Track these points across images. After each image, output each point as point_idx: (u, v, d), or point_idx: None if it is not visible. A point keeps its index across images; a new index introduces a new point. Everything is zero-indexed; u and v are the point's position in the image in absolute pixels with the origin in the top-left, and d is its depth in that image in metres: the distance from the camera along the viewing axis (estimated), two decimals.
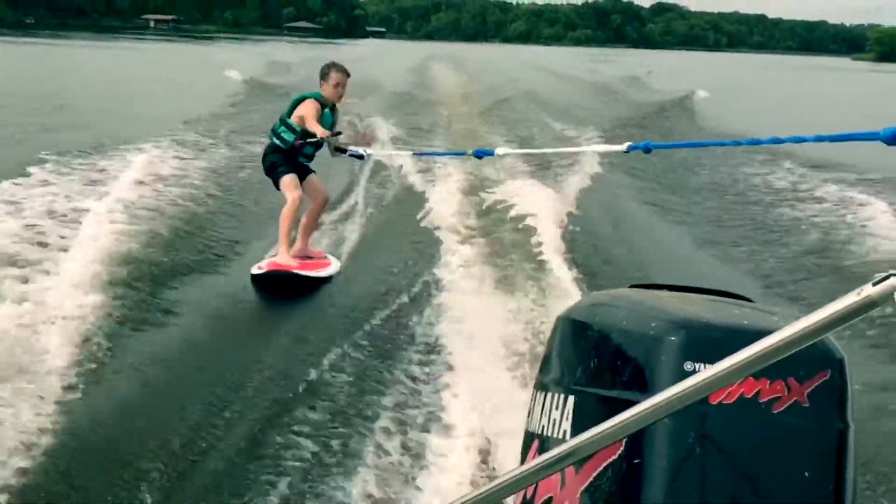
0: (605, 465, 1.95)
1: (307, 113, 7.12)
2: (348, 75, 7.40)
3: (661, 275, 7.11)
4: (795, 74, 71.79)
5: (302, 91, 7.72)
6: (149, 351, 5.54)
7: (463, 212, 9.77)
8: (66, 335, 5.37)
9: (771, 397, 1.87)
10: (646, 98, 29.13)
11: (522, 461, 2.38)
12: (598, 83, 37.98)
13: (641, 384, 1.98)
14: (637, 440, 1.88)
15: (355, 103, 18.62)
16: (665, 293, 2.35)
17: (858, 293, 1.10)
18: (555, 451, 1.36)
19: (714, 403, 1.85)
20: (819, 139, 2.40)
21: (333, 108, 7.39)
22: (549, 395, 2.29)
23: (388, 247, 8.51)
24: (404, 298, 6.70)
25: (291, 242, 7.44)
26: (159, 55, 54.09)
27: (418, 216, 9.67)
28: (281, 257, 7.22)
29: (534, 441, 2.33)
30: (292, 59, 45.71)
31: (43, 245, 7.26)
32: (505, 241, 8.50)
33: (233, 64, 35.70)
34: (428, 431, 4.53)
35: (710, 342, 1.94)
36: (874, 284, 1.09)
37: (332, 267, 7.47)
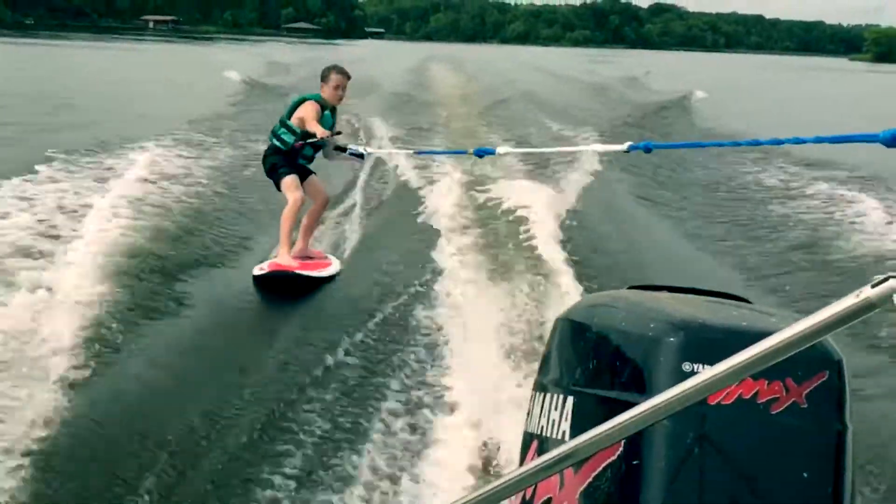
0: (604, 465, 1.95)
1: (307, 114, 7.13)
2: (349, 77, 7.41)
3: (659, 276, 7.10)
4: (793, 75, 71.80)
5: (301, 91, 7.74)
6: (152, 351, 5.55)
7: (462, 212, 9.77)
8: (66, 334, 5.37)
9: (769, 398, 1.87)
10: (644, 98, 29.13)
11: (521, 462, 2.38)
12: (597, 84, 37.98)
13: (640, 385, 1.98)
14: (636, 441, 1.89)
15: (355, 104, 18.62)
16: (664, 294, 2.36)
17: (857, 295, 1.10)
18: (554, 453, 1.36)
19: (713, 404, 1.86)
20: (818, 140, 2.40)
21: (334, 110, 7.41)
22: (549, 395, 2.30)
23: (388, 247, 8.52)
24: (404, 298, 6.70)
25: (292, 243, 7.46)
26: (158, 56, 54.07)
27: (418, 216, 9.69)
28: (282, 258, 7.23)
29: (533, 441, 2.33)
30: (291, 59, 45.72)
31: (38, 250, 7.24)
32: (504, 242, 8.50)
33: (232, 64, 35.70)
34: (427, 431, 4.54)
35: (708, 343, 1.94)
36: (873, 287, 1.09)
37: (333, 267, 7.49)
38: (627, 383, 2.02)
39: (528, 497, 2.17)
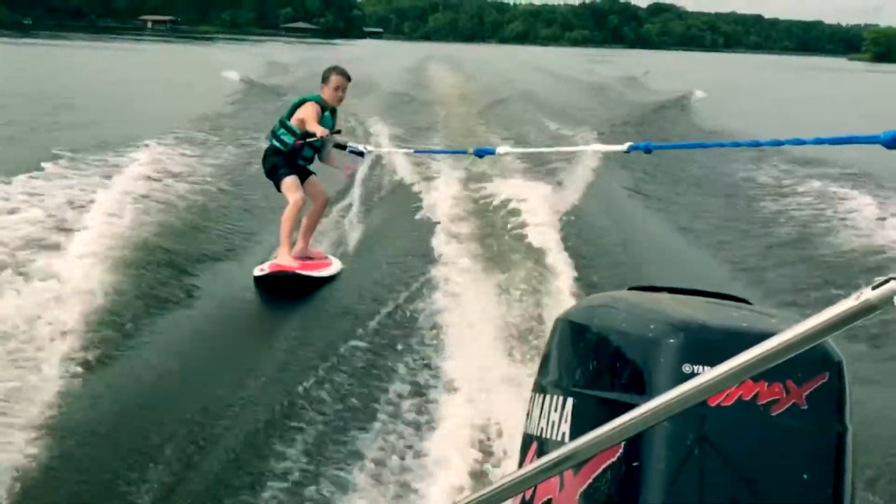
0: (603, 467, 1.95)
1: (307, 115, 7.14)
2: (349, 79, 7.42)
3: (659, 276, 7.12)
4: (792, 75, 71.83)
5: (300, 91, 7.75)
6: (152, 351, 5.57)
7: (462, 212, 9.78)
8: (66, 334, 5.38)
9: (769, 399, 1.87)
10: (643, 98, 29.13)
11: (521, 463, 2.38)
12: (596, 83, 37.99)
13: (640, 386, 1.98)
14: (636, 442, 1.88)
15: (354, 103, 18.64)
16: (664, 295, 2.35)
17: (858, 297, 1.10)
18: (554, 454, 1.36)
19: (713, 405, 1.85)
20: (818, 141, 2.40)
21: (334, 112, 7.42)
22: (548, 396, 2.29)
23: (388, 246, 8.53)
24: (404, 298, 6.71)
25: (292, 244, 7.47)
26: (157, 56, 54.07)
27: (417, 215, 9.70)
28: (282, 258, 7.24)
29: (532, 443, 2.33)
30: (290, 59, 45.74)
31: (39, 247, 7.25)
32: (504, 242, 8.50)
33: (230, 64, 35.70)
34: (426, 432, 4.53)
35: (708, 344, 1.94)
36: (873, 288, 1.09)
37: (334, 267, 7.50)
38: (627, 384, 2.02)
39: (527, 498, 2.17)
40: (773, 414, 1.87)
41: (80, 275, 6.41)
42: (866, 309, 1.10)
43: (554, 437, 2.18)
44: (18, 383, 4.71)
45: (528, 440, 2.38)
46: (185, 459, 4.15)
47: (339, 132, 7.38)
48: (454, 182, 11.33)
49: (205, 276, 7.24)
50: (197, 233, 8.48)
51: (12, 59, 39.34)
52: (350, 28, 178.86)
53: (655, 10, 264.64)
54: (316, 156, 7.48)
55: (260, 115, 18.27)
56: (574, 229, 8.96)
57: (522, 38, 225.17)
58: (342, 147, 7.27)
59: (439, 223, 9.13)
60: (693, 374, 1.84)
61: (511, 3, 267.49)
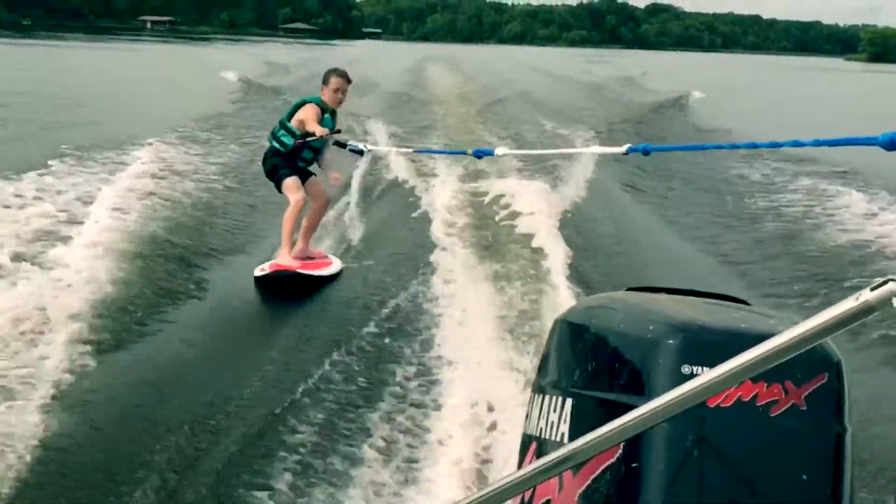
0: (603, 468, 1.95)
1: (307, 116, 7.15)
2: (349, 81, 7.43)
3: (658, 277, 7.14)
4: (790, 75, 71.87)
5: (299, 91, 7.77)
6: (152, 352, 5.58)
7: (461, 211, 9.79)
8: (66, 332, 5.38)
9: (768, 400, 1.87)
10: (641, 98, 29.15)
11: (520, 464, 2.38)
12: (594, 84, 38.01)
13: (639, 387, 1.98)
14: (635, 443, 1.88)
15: (353, 103, 18.67)
16: (662, 296, 2.36)
17: (857, 298, 1.10)
18: (553, 455, 1.36)
19: (712, 407, 1.85)
20: (817, 143, 2.40)
21: (334, 114, 7.42)
22: (547, 397, 2.29)
23: (388, 246, 8.54)
24: (404, 298, 6.72)
25: (293, 244, 7.48)
26: (156, 56, 54.06)
27: (416, 214, 9.72)
28: (283, 258, 7.26)
29: (531, 444, 2.33)
30: (288, 60, 45.75)
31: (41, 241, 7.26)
32: (503, 243, 8.50)
33: (229, 65, 35.72)
34: (425, 432, 4.53)
35: (707, 345, 1.94)
36: (872, 290, 1.09)
37: (334, 266, 7.51)
38: (626, 385, 2.02)
39: (526, 499, 2.17)
40: (773, 415, 1.87)
41: (81, 272, 6.44)
42: (865, 310, 1.10)
43: (553, 438, 2.18)
44: (23, 371, 4.73)
45: (527, 441, 2.38)
46: (185, 458, 4.15)
47: (338, 132, 7.39)
48: (453, 182, 11.35)
49: (205, 276, 7.25)
50: (199, 232, 8.51)
51: (12, 60, 39.33)
52: (349, 28, 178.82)
53: (653, 10, 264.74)
54: (316, 158, 7.50)
55: (261, 114, 18.36)
56: (573, 229, 8.96)
57: (520, 39, 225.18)
58: (342, 145, 7.29)
59: (438, 223, 9.14)
60: (692, 375, 1.85)
61: (509, 3, 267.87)
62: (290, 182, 7.30)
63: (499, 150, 5.24)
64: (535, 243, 8.19)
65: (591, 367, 2.16)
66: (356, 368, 5.35)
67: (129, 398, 4.87)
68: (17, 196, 8.89)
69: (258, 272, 7.16)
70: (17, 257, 6.83)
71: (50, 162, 10.87)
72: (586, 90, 33.85)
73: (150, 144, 12.80)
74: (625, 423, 1.29)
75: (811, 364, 1.90)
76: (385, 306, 6.50)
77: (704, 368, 1.86)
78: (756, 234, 10.10)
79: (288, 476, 4.01)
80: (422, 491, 4.03)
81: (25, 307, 5.68)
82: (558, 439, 2.15)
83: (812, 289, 7.73)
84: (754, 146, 2.98)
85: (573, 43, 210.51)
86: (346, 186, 10.81)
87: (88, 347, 5.28)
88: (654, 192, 12.50)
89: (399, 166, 12.36)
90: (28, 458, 4.00)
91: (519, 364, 5.33)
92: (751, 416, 1.86)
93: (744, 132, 18.40)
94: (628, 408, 1.32)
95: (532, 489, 2.12)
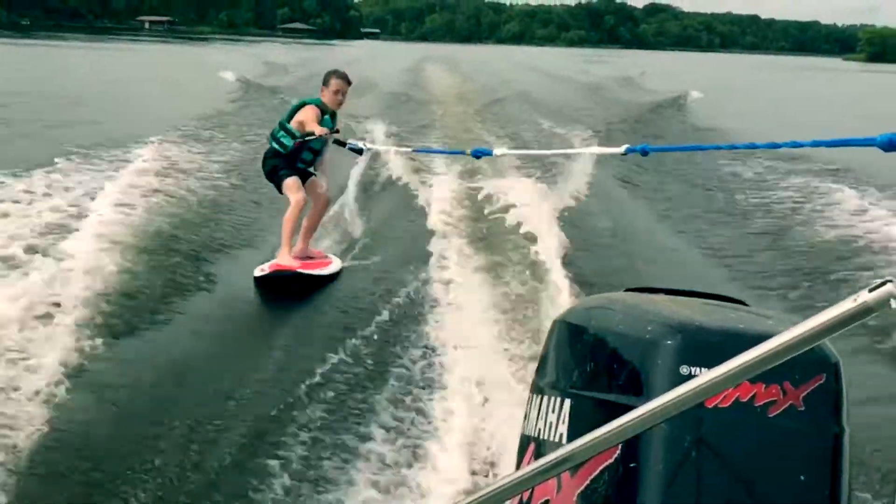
0: (601, 468, 1.95)
1: (307, 117, 7.16)
2: (349, 83, 7.44)
3: (657, 278, 7.14)
4: (788, 75, 71.87)
5: (298, 92, 7.78)
6: (153, 352, 5.59)
7: (459, 211, 9.80)
8: (66, 331, 5.40)
9: (767, 401, 1.87)
10: (639, 98, 29.15)
11: (519, 465, 2.38)
12: (592, 84, 38.01)
13: (637, 388, 1.98)
14: (633, 444, 1.89)
15: (352, 103, 18.67)
16: (661, 297, 2.36)
17: (855, 299, 1.11)
18: (552, 456, 1.36)
19: (710, 407, 1.86)
20: (815, 144, 2.41)
21: (334, 115, 7.43)
22: (546, 398, 2.29)
23: (387, 245, 8.56)
24: (403, 298, 6.74)
25: (293, 244, 7.48)
26: (154, 56, 54.07)
27: (416, 214, 9.74)
28: (283, 258, 7.26)
29: (530, 444, 2.33)
30: (286, 60, 45.72)
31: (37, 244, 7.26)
32: (502, 243, 8.51)
33: (227, 65, 35.70)
34: (424, 433, 4.53)
35: (705, 346, 1.94)
36: (870, 291, 1.09)
37: (334, 266, 7.52)
38: (625, 386, 2.02)
39: (525, 500, 2.17)
40: (771, 415, 1.87)
41: (81, 269, 6.47)
42: (863, 311, 1.10)
43: (552, 439, 2.18)
44: (21, 372, 4.74)
45: (525, 441, 2.38)
46: (185, 457, 4.15)
47: (337, 131, 7.40)
48: (452, 181, 11.36)
49: (205, 276, 7.26)
50: (200, 232, 8.53)
51: (12, 60, 39.33)
52: (347, 29, 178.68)
53: (651, 10, 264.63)
54: (316, 160, 7.52)
55: (261, 112, 18.42)
56: (571, 229, 8.96)
57: (519, 39, 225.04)
58: (342, 144, 7.31)
59: (437, 222, 9.15)
60: (690, 376, 1.85)
61: (507, 3, 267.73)
62: (291, 182, 7.31)
63: (497, 150, 5.25)
64: (533, 243, 8.19)
65: (589, 367, 2.17)
66: (356, 368, 5.35)
67: (130, 398, 4.87)
68: (28, 192, 9.10)
69: (258, 272, 7.16)
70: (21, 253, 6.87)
71: (56, 160, 10.99)
72: (585, 90, 33.86)
73: (153, 143, 12.92)
74: (623, 424, 1.29)
75: (809, 365, 1.90)
76: (385, 306, 6.50)
77: (703, 369, 1.86)
78: (754, 233, 10.10)
79: (287, 476, 4.01)
80: (425, 477, 4.05)
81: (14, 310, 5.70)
82: (557, 440, 2.15)
83: (811, 289, 7.73)
84: (753, 147, 2.99)
85: (571, 43, 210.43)
86: (346, 186, 10.84)
87: (88, 348, 5.28)
88: (652, 192, 12.51)
89: (398, 166, 12.36)
90: (28, 457, 4.00)
91: (518, 364, 5.33)
92: (749, 416, 1.87)
93: (742, 132, 18.41)
94: (627, 408, 1.32)
95: (530, 490, 2.13)
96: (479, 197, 10.47)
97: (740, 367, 1.21)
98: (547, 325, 2.60)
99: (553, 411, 2.21)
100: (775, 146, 2.68)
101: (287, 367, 5.38)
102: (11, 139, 14.08)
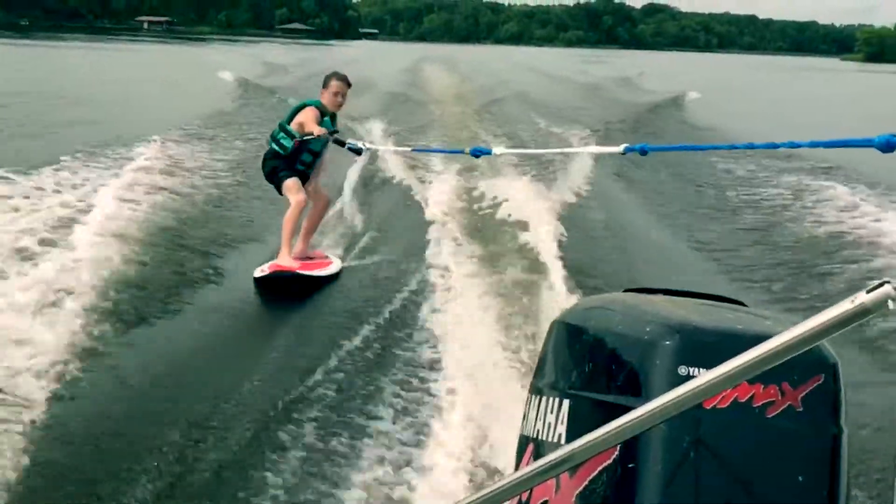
0: (599, 469, 1.95)
1: (306, 118, 7.17)
2: (349, 85, 7.46)
3: (655, 278, 7.15)
4: (786, 75, 71.91)
5: (297, 92, 7.79)
6: (153, 353, 5.59)
7: (459, 210, 9.82)
8: (66, 330, 5.39)
9: (765, 402, 1.87)
10: (637, 99, 29.17)
11: (517, 465, 2.38)
12: (590, 84, 38.04)
13: (636, 388, 1.98)
14: (631, 444, 1.88)
15: (351, 103, 18.69)
16: (659, 297, 2.36)
17: (853, 301, 1.11)
18: (550, 457, 1.36)
19: (708, 408, 1.85)
20: (814, 145, 2.41)
21: (333, 117, 7.44)
22: (544, 398, 2.29)
23: (387, 245, 8.56)
24: (402, 298, 6.75)
25: (293, 245, 7.49)
26: (154, 56, 54.08)
27: (415, 213, 9.75)
28: (282, 259, 7.27)
29: (528, 445, 2.33)
30: (285, 60, 45.74)
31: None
32: (500, 243, 8.51)
33: (225, 65, 35.73)
34: (424, 433, 4.54)
35: (704, 346, 1.94)
36: (868, 292, 1.09)
37: (334, 266, 7.53)
38: (623, 387, 2.02)
39: (523, 500, 2.17)
40: (769, 416, 1.87)
41: (82, 268, 6.50)
42: (861, 312, 1.10)
43: (550, 440, 2.18)
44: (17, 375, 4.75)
45: (524, 442, 2.38)
46: (186, 457, 4.15)
47: (337, 132, 7.41)
48: (451, 180, 11.37)
49: (205, 276, 7.26)
50: (200, 232, 8.54)
51: (11, 60, 39.32)
52: (345, 29, 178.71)
53: (649, 10, 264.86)
54: (316, 162, 7.52)
55: (260, 112, 18.46)
56: (570, 229, 8.96)
57: (517, 39, 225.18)
58: (341, 143, 7.32)
59: (436, 222, 9.17)
60: (689, 377, 1.85)
61: (506, 4, 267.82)
62: (291, 183, 7.32)
63: (496, 150, 5.25)
64: (532, 244, 8.20)
65: (588, 368, 2.17)
66: (356, 369, 5.35)
67: (130, 397, 4.87)
68: (39, 188, 9.25)
69: (258, 273, 7.16)
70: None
71: (62, 158, 11.08)
72: (583, 90, 33.88)
73: (155, 142, 12.98)
74: (622, 425, 1.29)
75: (808, 365, 1.90)
76: (384, 307, 6.51)
77: (701, 369, 1.86)
78: (754, 233, 10.10)
79: (286, 476, 4.01)
80: (424, 478, 4.05)
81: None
82: (555, 441, 2.15)
83: (811, 289, 7.73)
84: (751, 147, 2.99)
85: (570, 43, 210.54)
86: (346, 189, 10.87)
87: (88, 347, 5.28)
88: (650, 192, 12.50)
89: (397, 165, 12.37)
90: (27, 456, 4.00)
91: (516, 365, 5.33)
92: (747, 417, 1.86)
93: (740, 132, 18.42)
94: (625, 409, 1.32)
95: (529, 491, 2.12)
96: (478, 196, 10.49)
97: (739, 368, 1.21)
98: (545, 325, 2.60)
99: (552, 412, 2.21)
100: (773, 146, 2.68)
101: (287, 366, 5.38)
102: (16, 138, 14.13)
